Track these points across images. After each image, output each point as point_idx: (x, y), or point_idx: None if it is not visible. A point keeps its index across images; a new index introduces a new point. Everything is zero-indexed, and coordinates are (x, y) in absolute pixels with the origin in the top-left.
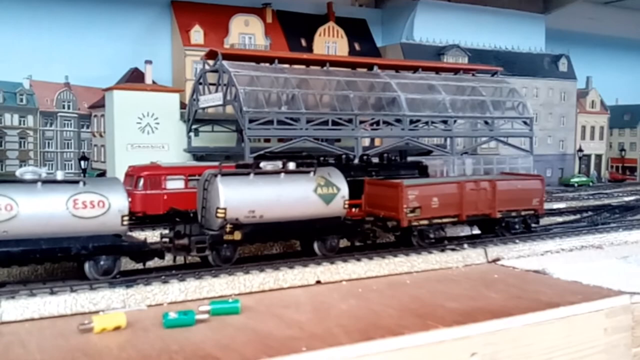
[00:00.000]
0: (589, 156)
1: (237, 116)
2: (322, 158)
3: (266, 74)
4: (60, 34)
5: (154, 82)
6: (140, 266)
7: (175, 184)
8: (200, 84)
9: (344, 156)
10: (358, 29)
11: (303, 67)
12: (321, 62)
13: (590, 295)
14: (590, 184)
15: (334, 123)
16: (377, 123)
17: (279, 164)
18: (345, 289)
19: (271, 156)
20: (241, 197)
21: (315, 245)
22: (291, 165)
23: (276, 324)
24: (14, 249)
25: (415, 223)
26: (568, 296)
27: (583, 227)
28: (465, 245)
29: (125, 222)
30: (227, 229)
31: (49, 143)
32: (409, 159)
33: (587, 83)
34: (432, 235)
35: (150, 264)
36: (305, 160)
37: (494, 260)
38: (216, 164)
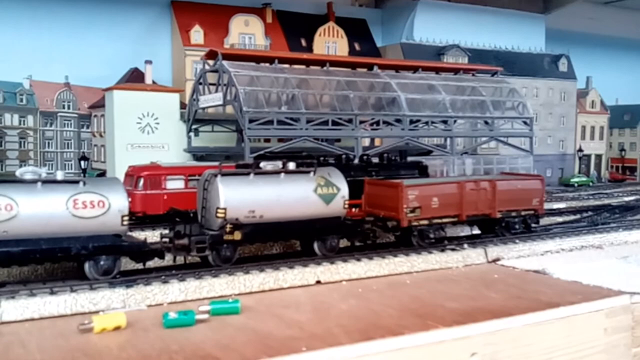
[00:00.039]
0: (589, 156)
1: (237, 116)
2: (322, 158)
3: (266, 74)
4: (60, 34)
5: (154, 82)
6: (140, 266)
7: (175, 184)
8: (200, 84)
9: (344, 156)
10: (358, 29)
11: (303, 67)
12: (321, 62)
13: (590, 295)
14: (590, 184)
15: (334, 123)
16: (377, 123)
17: (279, 164)
18: (345, 289)
19: (271, 156)
20: (241, 197)
21: (315, 245)
22: (291, 165)
23: (276, 324)
24: (14, 249)
25: (415, 223)
26: (568, 296)
27: (583, 227)
28: (465, 245)
29: (125, 222)
30: (227, 229)
31: (49, 143)
32: (409, 159)
33: (587, 83)
34: (432, 235)
35: (150, 264)
36: (305, 160)
37: (494, 260)
38: (216, 164)
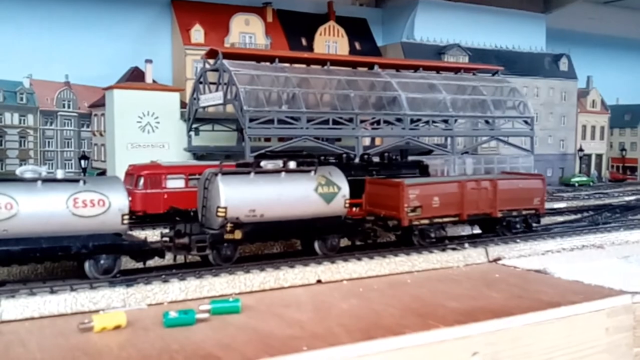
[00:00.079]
0: (589, 156)
1: (237, 115)
2: (322, 157)
3: (267, 73)
4: (60, 33)
5: (154, 81)
6: (140, 265)
7: (175, 183)
8: (201, 83)
9: (344, 155)
10: (358, 28)
11: (303, 66)
12: (322, 61)
13: (591, 294)
14: (591, 183)
15: (335, 122)
16: (378, 122)
17: (280, 163)
18: (346, 289)
19: (272, 155)
20: (242, 196)
21: (316, 245)
22: (292, 165)
23: (277, 323)
24: (14, 247)
25: (416, 222)
26: (569, 296)
27: (584, 226)
28: (466, 245)
29: (125, 221)
30: (228, 228)
31: (49, 142)
32: (410, 158)
33: (588, 83)
34: (433, 235)
35: (151, 263)
36: (306, 160)
37: (495, 260)
38: (217, 163)
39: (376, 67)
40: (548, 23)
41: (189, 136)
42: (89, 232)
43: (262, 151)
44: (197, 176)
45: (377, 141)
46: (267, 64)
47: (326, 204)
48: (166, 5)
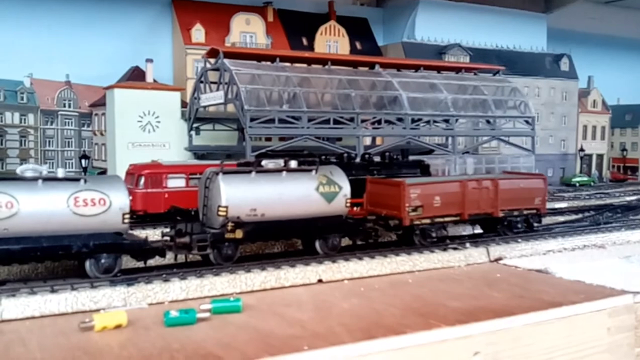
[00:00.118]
0: (590, 156)
1: (238, 115)
2: (323, 157)
3: (267, 73)
4: (60, 32)
5: (154, 81)
6: (141, 264)
7: (176, 183)
8: (202, 82)
9: (345, 155)
10: (359, 27)
11: (304, 65)
12: (323, 61)
13: (593, 294)
14: (592, 183)
15: (336, 122)
16: (379, 122)
17: (281, 162)
18: (347, 288)
19: (273, 154)
20: (243, 195)
21: (317, 244)
22: (293, 164)
23: (278, 323)
24: (14, 246)
25: (417, 222)
26: (571, 295)
27: (585, 226)
28: (468, 245)
29: (126, 220)
30: (229, 227)
31: (49, 141)
32: (411, 158)
33: (589, 83)
34: (434, 234)
35: (152, 262)
36: (307, 159)
37: (496, 260)
38: (217, 162)
39: (377, 66)
40: (549, 23)
41: (190, 135)
42: (90, 231)
43: (263, 150)
44: (197, 175)
45: (378, 141)
46: (268, 63)
47: (327, 203)
48: (167, 5)
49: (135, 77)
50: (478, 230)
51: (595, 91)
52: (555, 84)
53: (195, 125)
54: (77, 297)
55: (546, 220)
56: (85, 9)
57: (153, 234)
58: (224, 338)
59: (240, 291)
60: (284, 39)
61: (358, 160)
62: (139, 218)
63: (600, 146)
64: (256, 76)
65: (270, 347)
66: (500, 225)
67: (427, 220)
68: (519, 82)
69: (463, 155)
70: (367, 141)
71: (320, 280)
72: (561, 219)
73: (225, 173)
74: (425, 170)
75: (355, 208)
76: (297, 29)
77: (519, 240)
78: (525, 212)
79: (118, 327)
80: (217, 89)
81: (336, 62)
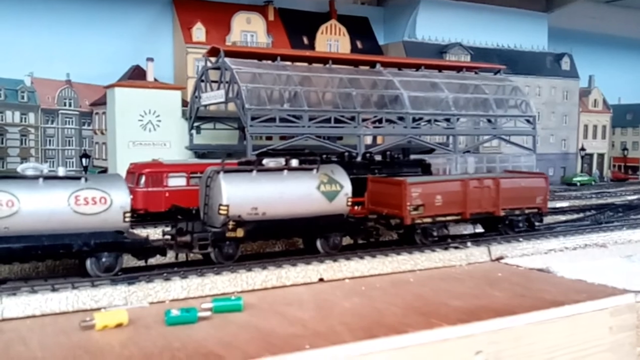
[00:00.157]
0: (591, 155)
1: (239, 113)
2: (324, 156)
3: (268, 72)
4: (61, 31)
5: (155, 80)
6: (142, 263)
7: (177, 182)
8: (202, 81)
9: (346, 154)
10: (360, 27)
11: (305, 64)
12: (324, 60)
13: (594, 293)
14: (593, 183)
15: (337, 121)
16: (380, 121)
17: (282, 161)
18: (348, 287)
19: (274, 153)
20: (244, 194)
21: (318, 243)
22: (294, 163)
23: (279, 322)
24: (15, 245)
25: (418, 221)
26: (572, 295)
27: (587, 225)
28: (469, 244)
29: (127, 219)
30: (230, 226)
31: (50, 140)
32: (412, 157)
33: (590, 82)
34: (435, 233)
35: (152, 261)
36: (308, 158)
37: (498, 259)
38: (218, 161)
39: (378, 65)
40: (550, 22)
41: (191, 134)
42: (91, 229)
43: (264, 149)
44: (198, 174)
45: (379, 140)
46: (269, 62)
47: (328, 202)
48: (167, 4)
49: (135, 76)
50: (479, 229)
51: (596, 90)
52: (556, 83)
53: (196, 124)
54: (78, 296)
55: (547, 219)
56: (86, 8)
57: (154, 233)
58: (225, 337)
59: (242, 290)
60: (285, 38)
61: (359, 159)
62: (139, 217)
63: (601, 145)
64: (257, 75)
65: (271, 346)
66: (502, 224)
67: (429, 219)
68: (519, 81)
69: (464, 155)
70: (368, 140)
71: (321, 279)
72: (562, 218)
73: (226, 172)
74: (426, 169)
75: (356, 207)
76: (298, 28)
77: (521, 239)
78: (526, 211)
79: (119, 326)
80: (218, 88)
81: (337, 61)
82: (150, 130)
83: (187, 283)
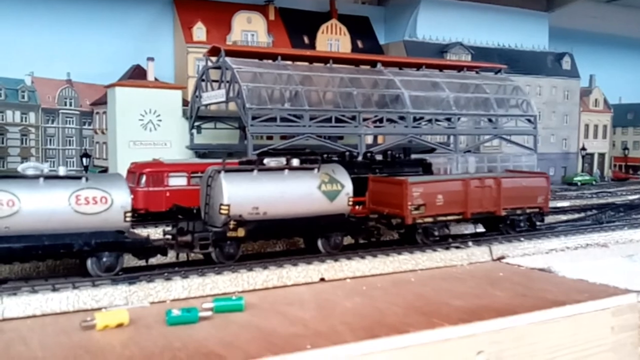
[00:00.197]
0: (592, 155)
1: (240, 113)
2: (325, 155)
3: (269, 71)
4: (61, 30)
5: (156, 79)
6: (143, 263)
7: (177, 181)
8: (203, 80)
9: (347, 153)
10: (361, 26)
11: (306, 64)
12: (324, 59)
13: (596, 293)
14: (593, 182)
15: (337, 120)
16: (381, 120)
17: (283, 160)
18: (350, 287)
19: (274, 153)
20: (245, 194)
21: (319, 243)
22: (295, 162)
23: (280, 322)
24: (15, 245)
25: (419, 220)
26: (574, 294)
27: (588, 225)
28: (470, 243)
29: (128, 219)
30: (231, 226)
31: (50, 140)
32: (413, 156)
33: (591, 81)
34: (436, 233)
35: (153, 260)
36: (309, 157)
37: (499, 258)
38: (219, 160)
39: (379, 65)
40: (551, 21)
41: (191, 134)
42: (91, 229)
43: (265, 149)
44: (199, 174)
45: (380, 139)
46: (270, 61)
47: (329, 201)
48: (168, 3)
49: (136, 75)
50: (480, 229)
51: (597, 90)
52: (557, 83)
53: (196, 123)
54: (79, 296)
55: (549, 219)
56: (87, 7)
57: (155, 233)
58: (226, 337)
59: (243, 290)
60: (286, 38)
61: (360, 158)
62: (140, 217)
63: (602, 145)
64: (258, 74)
65: (272, 346)
66: (503, 224)
67: (430, 219)
68: (520, 81)
69: (465, 154)
70: (369, 140)
71: (322, 279)
72: (564, 217)
73: (227, 171)
74: (427, 168)
75: (357, 207)
76: (299, 27)
77: (522, 239)
78: (527, 210)
79: (120, 325)
80: (219, 88)
81: (338, 60)
82: (150, 129)
83: (188, 283)
